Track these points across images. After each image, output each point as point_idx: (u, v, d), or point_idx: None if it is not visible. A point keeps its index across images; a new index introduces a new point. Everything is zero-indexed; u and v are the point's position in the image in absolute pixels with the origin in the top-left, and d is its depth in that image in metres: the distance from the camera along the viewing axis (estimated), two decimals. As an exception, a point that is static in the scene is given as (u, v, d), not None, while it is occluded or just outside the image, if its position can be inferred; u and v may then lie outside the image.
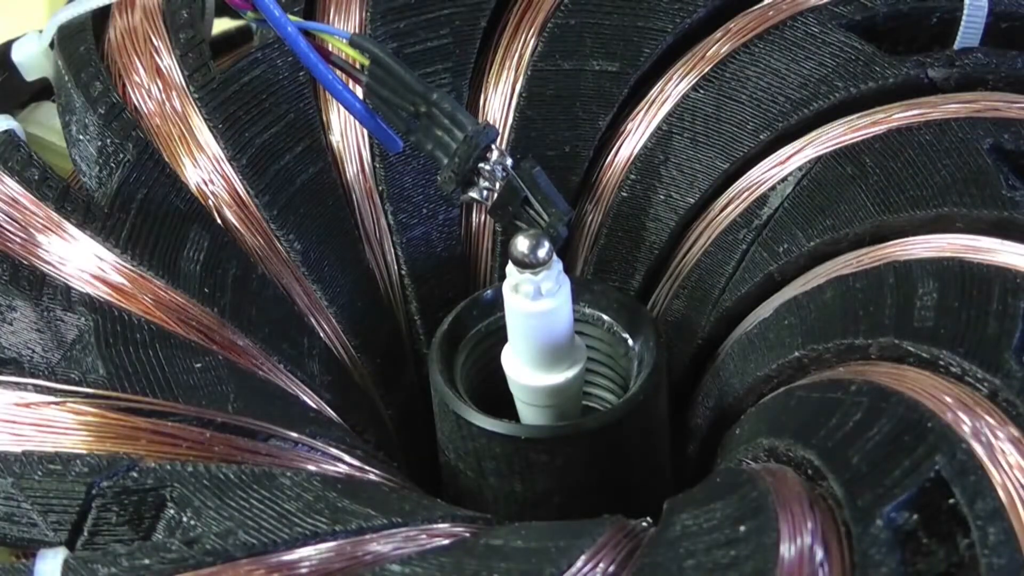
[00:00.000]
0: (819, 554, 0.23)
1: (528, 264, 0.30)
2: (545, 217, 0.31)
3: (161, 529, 0.26)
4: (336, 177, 0.36)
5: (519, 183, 0.31)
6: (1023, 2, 0.34)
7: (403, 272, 0.37)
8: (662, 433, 0.34)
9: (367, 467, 0.29)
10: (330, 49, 0.31)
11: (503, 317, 0.32)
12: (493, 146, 0.30)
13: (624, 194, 0.36)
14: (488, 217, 0.37)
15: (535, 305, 0.30)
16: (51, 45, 0.36)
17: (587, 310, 0.33)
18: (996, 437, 0.23)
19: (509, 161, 0.31)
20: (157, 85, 0.34)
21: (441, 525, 0.26)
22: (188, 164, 0.34)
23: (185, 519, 0.26)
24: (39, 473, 0.27)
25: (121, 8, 0.36)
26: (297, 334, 0.34)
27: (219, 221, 0.33)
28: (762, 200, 0.33)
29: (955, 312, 0.27)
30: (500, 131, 0.36)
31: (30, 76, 0.36)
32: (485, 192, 0.31)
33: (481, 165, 0.30)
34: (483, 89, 0.37)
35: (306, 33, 0.31)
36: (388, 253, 0.36)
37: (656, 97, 0.36)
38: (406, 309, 0.37)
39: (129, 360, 0.29)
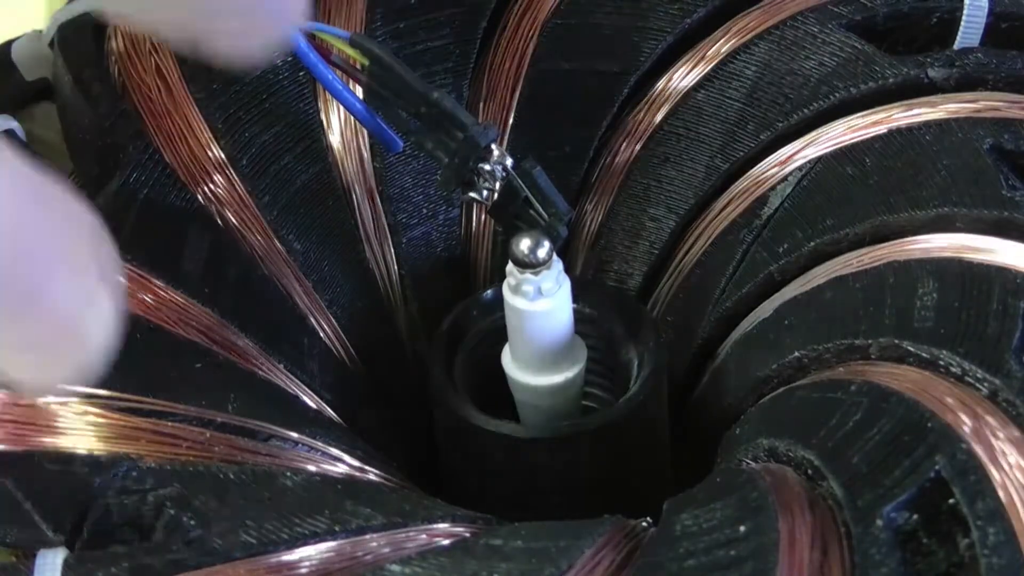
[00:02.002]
0: (819, 554, 0.22)
1: (528, 264, 0.30)
2: (545, 217, 0.31)
3: (161, 529, 0.26)
4: (336, 177, 0.36)
5: (519, 183, 0.31)
6: (1023, 2, 0.34)
7: (403, 272, 0.37)
8: (662, 433, 0.34)
9: (367, 467, 0.29)
10: (330, 49, 0.31)
11: (503, 317, 0.32)
12: (493, 146, 0.30)
13: (624, 194, 0.36)
14: (488, 217, 0.37)
15: (535, 305, 0.30)
16: (51, 45, 0.36)
17: (587, 310, 0.33)
18: (996, 437, 0.23)
19: (509, 161, 0.31)
20: (157, 85, 0.34)
21: (441, 525, 0.26)
22: (188, 164, 0.34)
23: (185, 519, 0.26)
24: (39, 473, 0.27)
25: (121, 8, 0.36)
26: (297, 334, 0.34)
27: (219, 221, 0.33)
28: (762, 200, 0.33)
29: (955, 312, 0.27)
30: (500, 131, 0.36)
31: (30, 76, 0.36)
32: (485, 192, 0.31)
33: (481, 165, 0.30)
34: (483, 89, 0.37)
35: (306, 33, 0.31)
36: (388, 253, 0.36)
37: (656, 97, 0.36)
38: (406, 309, 0.37)
39: (129, 360, 0.29)
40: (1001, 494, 0.22)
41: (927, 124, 0.31)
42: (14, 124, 0.34)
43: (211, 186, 0.33)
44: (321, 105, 0.36)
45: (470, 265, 0.37)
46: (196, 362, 0.30)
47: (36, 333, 0.21)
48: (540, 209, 0.31)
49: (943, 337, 0.26)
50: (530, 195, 0.31)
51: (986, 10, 0.34)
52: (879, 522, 0.22)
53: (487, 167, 0.30)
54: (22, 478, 0.26)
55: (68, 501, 0.26)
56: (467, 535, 0.25)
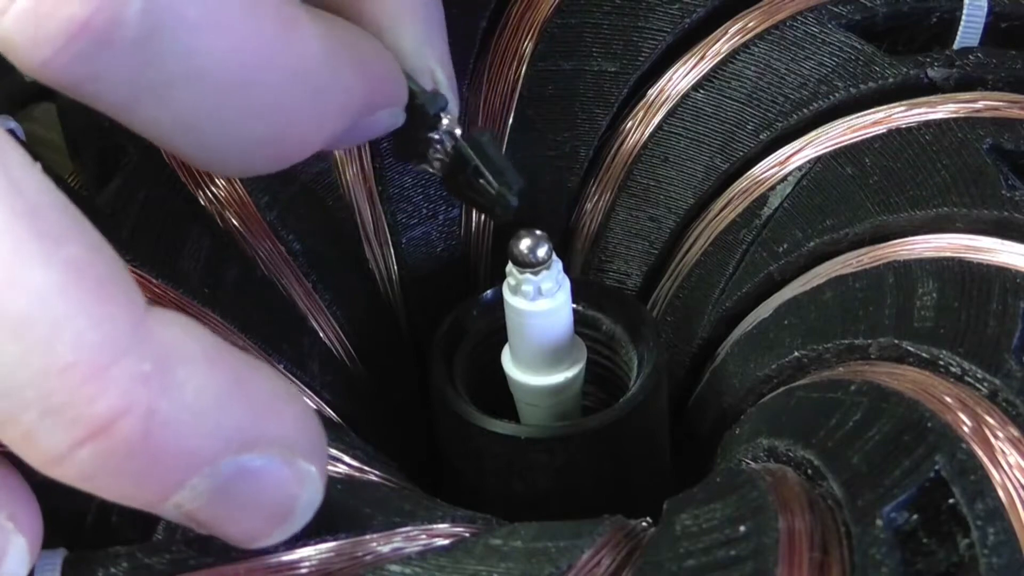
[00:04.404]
0: (819, 554, 0.23)
1: (528, 264, 0.30)
2: (495, 186, 0.30)
3: (161, 529, 0.26)
4: (336, 177, 0.36)
5: (468, 152, 0.30)
6: (1023, 2, 0.34)
7: (403, 272, 0.37)
8: (662, 433, 0.34)
9: (367, 467, 0.29)
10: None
11: (503, 317, 0.32)
12: (442, 114, 0.30)
13: (624, 194, 0.36)
14: (489, 217, 0.37)
15: (535, 305, 0.30)
16: (51, 45, 0.36)
17: (587, 310, 0.33)
18: (996, 437, 0.23)
19: (459, 130, 0.30)
20: (157, 85, 0.34)
21: (441, 525, 0.26)
22: (188, 164, 0.34)
23: (185, 519, 0.26)
24: (39, 472, 0.27)
25: (121, 8, 0.36)
26: (297, 334, 0.34)
27: (219, 221, 0.33)
28: (762, 200, 0.33)
29: (955, 312, 0.27)
30: (500, 131, 0.36)
31: (30, 76, 0.36)
32: (436, 162, 0.31)
33: (431, 135, 0.30)
34: (483, 89, 0.37)
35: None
36: (388, 253, 0.36)
37: (656, 97, 0.36)
38: (406, 309, 0.37)
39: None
40: (1001, 494, 0.22)
41: (927, 124, 0.31)
42: (14, 124, 0.34)
43: (211, 186, 0.33)
44: (321, 105, 0.36)
45: (470, 265, 0.37)
46: (196, 362, 0.30)
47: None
48: (491, 179, 0.30)
49: (943, 337, 0.26)
50: (480, 165, 0.30)
51: (986, 10, 0.34)
52: (879, 522, 0.22)
53: (436, 136, 0.30)
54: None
55: (68, 500, 0.26)
56: (467, 535, 0.25)
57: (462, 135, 0.30)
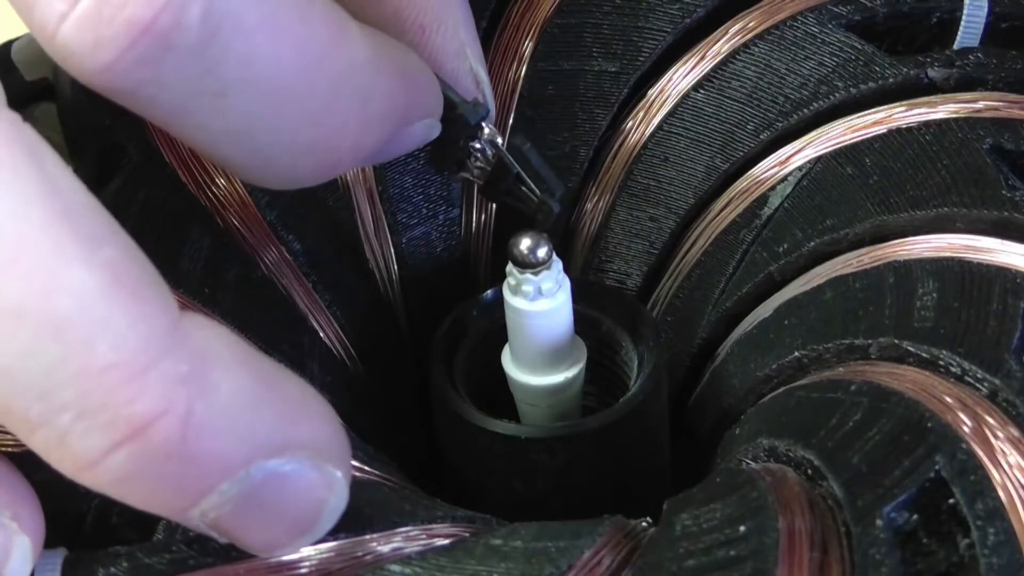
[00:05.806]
0: (819, 554, 0.23)
1: (528, 264, 0.30)
2: (537, 194, 0.30)
3: (161, 529, 0.26)
4: (336, 177, 0.36)
5: (510, 160, 0.30)
6: (1023, 2, 0.34)
7: (403, 272, 0.37)
8: (662, 433, 0.34)
9: (367, 467, 0.29)
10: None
11: (503, 317, 0.32)
12: (483, 123, 0.30)
13: (624, 194, 0.36)
14: (488, 217, 0.37)
15: (535, 305, 0.30)
16: (51, 45, 0.36)
17: (587, 310, 0.33)
18: (996, 437, 0.23)
19: (499, 139, 0.30)
20: (157, 85, 0.34)
21: (441, 525, 0.26)
22: (188, 164, 0.34)
23: (185, 519, 0.26)
24: (39, 472, 0.27)
25: (121, 8, 0.36)
26: (297, 334, 0.34)
27: (219, 221, 0.33)
28: (762, 200, 0.33)
29: (955, 312, 0.27)
30: (500, 132, 0.36)
31: (30, 76, 0.36)
32: (476, 171, 0.31)
33: (471, 144, 0.30)
34: (483, 89, 0.37)
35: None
36: (388, 253, 0.36)
37: (656, 97, 0.36)
38: (406, 309, 0.37)
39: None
40: (1001, 494, 0.22)
41: (927, 124, 0.31)
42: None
43: (211, 186, 0.33)
44: (321, 105, 0.36)
45: (470, 265, 0.37)
46: (196, 362, 0.30)
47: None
48: (532, 186, 0.30)
49: (943, 337, 0.26)
50: (521, 172, 0.30)
51: (986, 10, 0.34)
52: (879, 522, 0.22)
53: (477, 145, 0.30)
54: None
55: (68, 500, 0.26)
56: (467, 535, 0.25)
57: (502, 143, 0.30)
